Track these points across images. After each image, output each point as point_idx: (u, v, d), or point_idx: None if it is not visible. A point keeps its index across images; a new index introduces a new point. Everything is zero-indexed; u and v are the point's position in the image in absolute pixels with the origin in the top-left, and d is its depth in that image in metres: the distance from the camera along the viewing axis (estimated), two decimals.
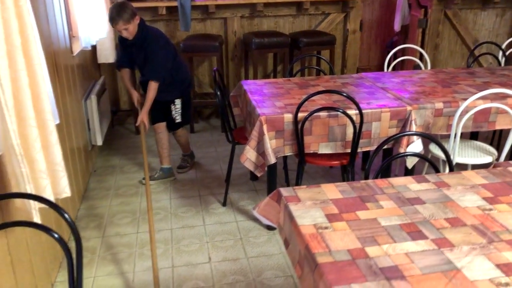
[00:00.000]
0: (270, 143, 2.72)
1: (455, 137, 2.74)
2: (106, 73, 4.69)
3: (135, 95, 3.63)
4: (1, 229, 1.46)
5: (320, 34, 4.79)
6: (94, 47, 4.20)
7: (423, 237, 1.46)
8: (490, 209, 1.61)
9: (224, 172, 3.79)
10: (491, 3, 5.22)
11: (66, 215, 1.51)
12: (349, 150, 2.80)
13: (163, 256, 2.73)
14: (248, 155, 2.75)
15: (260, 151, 2.74)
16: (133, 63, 3.54)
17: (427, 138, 2.19)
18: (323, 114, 2.71)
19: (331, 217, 1.58)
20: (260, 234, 2.95)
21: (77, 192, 3.25)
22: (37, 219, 1.62)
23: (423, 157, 2.17)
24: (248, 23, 4.91)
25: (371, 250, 1.40)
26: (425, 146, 2.97)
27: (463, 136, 3.77)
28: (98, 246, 2.84)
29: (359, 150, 2.81)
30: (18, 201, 1.68)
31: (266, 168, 2.78)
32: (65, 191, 1.79)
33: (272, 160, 2.70)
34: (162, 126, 3.60)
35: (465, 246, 1.41)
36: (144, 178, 3.66)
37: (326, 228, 1.52)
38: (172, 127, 3.65)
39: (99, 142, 3.83)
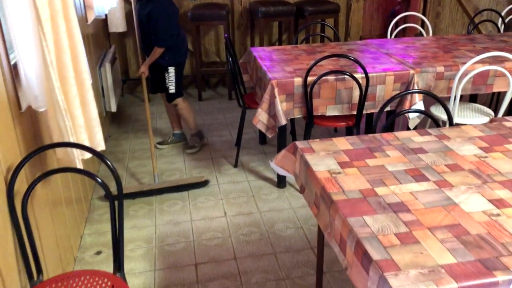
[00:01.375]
0: (281, 106, 2.88)
1: (454, 99, 2.90)
2: (116, 42, 4.81)
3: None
4: (52, 174, 1.64)
5: (324, 2, 4.89)
6: (104, 18, 4.31)
7: (425, 179, 1.65)
8: (486, 157, 1.80)
9: (233, 137, 3.97)
10: None
11: (108, 162, 1.69)
12: (355, 112, 2.98)
13: (181, 211, 2.94)
14: (260, 117, 2.93)
15: (272, 113, 2.91)
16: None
17: (429, 95, 2.36)
18: (331, 78, 2.87)
19: (343, 164, 1.77)
20: (271, 191, 3.15)
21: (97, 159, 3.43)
22: (79, 165, 1.80)
23: (425, 113, 2.35)
24: None
25: (380, 190, 1.59)
26: (427, 108, 3.14)
27: (462, 99, 3.94)
28: None
29: (364, 112, 2.98)
30: (60, 153, 1.86)
31: (276, 130, 2.96)
32: (101, 144, 1.97)
33: (283, 121, 2.88)
34: (167, 105, 3.69)
35: (462, 186, 1.60)
36: (158, 143, 3.84)
37: (339, 173, 1.71)
38: (167, 97, 3.59)
39: (113, 108, 3.99)
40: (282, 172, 2.03)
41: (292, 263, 2.46)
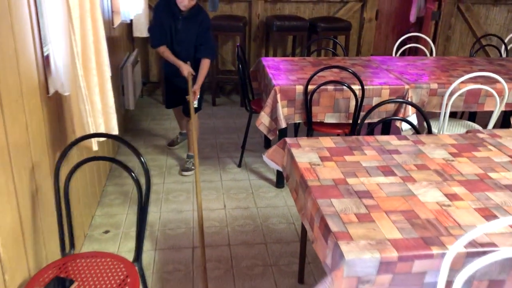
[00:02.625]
0: (282, 111, 3.13)
1: (444, 114, 3.10)
2: (139, 46, 5.14)
3: (186, 67, 3.40)
4: (92, 161, 1.90)
5: (336, 20, 5.16)
6: (130, 23, 4.64)
7: (393, 174, 1.87)
8: (452, 160, 2.01)
9: (240, 140, 4.22)
10: None
11: (132, 147, 1.92)
12: (351, 121, 3.20)
13: (186, 202, 3.19)
14: (263, 120, 3.17)
15: (273, 117, 3.15)
16: (168, 39, 3.43)
17: (408, 104, 2.57)
18: (330, 87, 3.11)
19: (323, 158, 2.00)
20: (269, 190, 3.38)
21: (112, 147, 3.72)
22: (95, 147, 2.08)
23: (411, 124, 2.56)
24: (271, 7, 5.30)
25: (351, 180, 1.81)
26: (421, 123, 3.34)
27: (462, 118, 4.12)
28: (130, 191, 3.31)
29: (359, 121, 3.19)
30: (79, 134, 2.13)
31: (277, 132, 3.20)
32: (114, 129, 2.24)
33: (283, 124, 3.12)
34: (178, 110, 3.80)
35: (424, 182, 1.82)
36: (168, 144, 4.07)
37: (318, 165, 1.94)
38: (188, 112, 3.52)
39: (132, 106, 4.30)
40: (272, 165, 2.27)
41: (281, 253, 2.68)
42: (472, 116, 4.17)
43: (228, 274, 2.51)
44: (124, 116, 4.36)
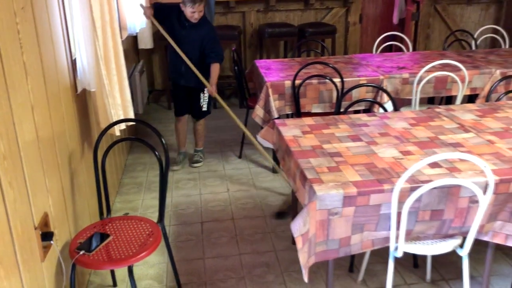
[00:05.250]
0: (274, 103, 3.58)
1: (415, 99, 3.54)
2: (144, 57, 5.62)
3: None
4: (120, 142, 2.36)
5: (323, 25, 5.64)
6: (135, 36, 5.13)
7: (360, 140, 2.31)
8: (410, 129, 2.45)
9: (241, 137, 4.66)
10: None
11: (154, 128, 2.37)
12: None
13: (193, 188, 3.63)
14: (258, 112, 3.62)
15: (267, 109, 3.60)
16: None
17: (380, 89, 3.02)
18: (314, 81, 3.56)
19: (304, 132, 2.44)
20: (267, 175, 3.82)
21: (126, 146, 4.17)
22: (118, 132, 2.53)
23: (383, 108, 3.00)
24: (263, 16, 5.79)
25: (325, 146, 2.26)
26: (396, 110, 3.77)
27: (441, 104, 4.55)
28: (144, 181, 3.76)
29: (341, 110, 3.64)
30: (103, 123, 2.59)
31: None
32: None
33: (275, 115, 3.56)
34: (183, 124, 4.08)
35: (385, 144, 2.25)
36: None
37: (300, 137, 2.38)
38: (198, 115, 3.98)
39: (141, 111, 4.76)
40: (265, 143, 2.72)
41: (278, 223, 3.11)
42: (449, 103, 4.60)
43: (233, 240, 2.94)
44: None
